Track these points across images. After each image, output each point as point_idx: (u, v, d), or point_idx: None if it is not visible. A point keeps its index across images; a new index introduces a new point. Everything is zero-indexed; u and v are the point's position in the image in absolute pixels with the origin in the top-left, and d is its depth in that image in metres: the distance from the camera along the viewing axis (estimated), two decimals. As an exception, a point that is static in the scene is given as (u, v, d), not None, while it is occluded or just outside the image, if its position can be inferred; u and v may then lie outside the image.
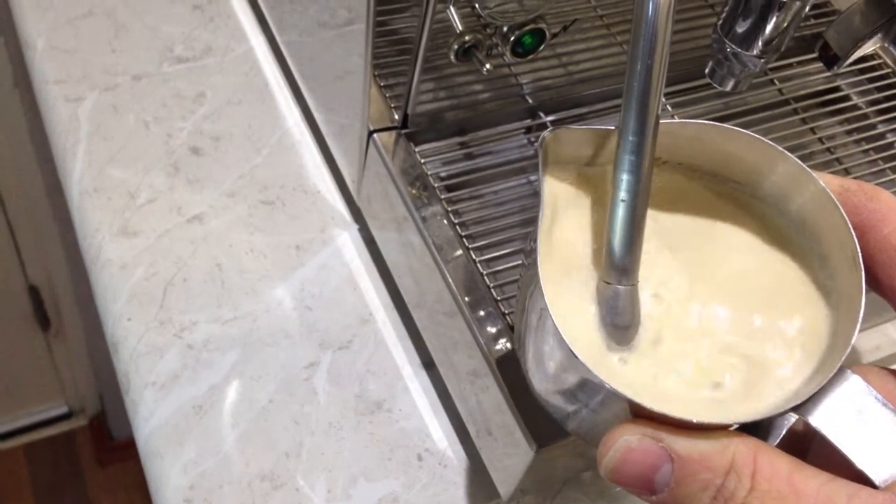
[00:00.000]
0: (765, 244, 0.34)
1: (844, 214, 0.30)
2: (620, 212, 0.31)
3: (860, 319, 0.29)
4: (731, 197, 0.35)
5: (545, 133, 0.33)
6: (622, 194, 0.31)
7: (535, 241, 0.32)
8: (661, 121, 0.32)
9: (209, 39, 0.64)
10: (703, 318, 0.33)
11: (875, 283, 0.31)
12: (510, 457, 0.44)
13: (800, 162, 0.32)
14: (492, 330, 0.44)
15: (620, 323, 0.32)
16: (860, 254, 0.30)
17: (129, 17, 0.65)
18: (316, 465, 0.48)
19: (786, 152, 0.32)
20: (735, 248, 0.35)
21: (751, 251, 0.34)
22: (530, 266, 0.32)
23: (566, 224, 0.35)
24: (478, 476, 0.49)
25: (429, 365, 0.52)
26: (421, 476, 0.49)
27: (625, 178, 0.31)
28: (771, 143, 0.32)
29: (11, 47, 0.86)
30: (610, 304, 0.32)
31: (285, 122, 0.61)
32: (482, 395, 0.45)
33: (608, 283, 0.32)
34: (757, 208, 0.35)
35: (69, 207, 0.57)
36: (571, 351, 0.29)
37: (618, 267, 0.32)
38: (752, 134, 0.32)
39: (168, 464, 0.47)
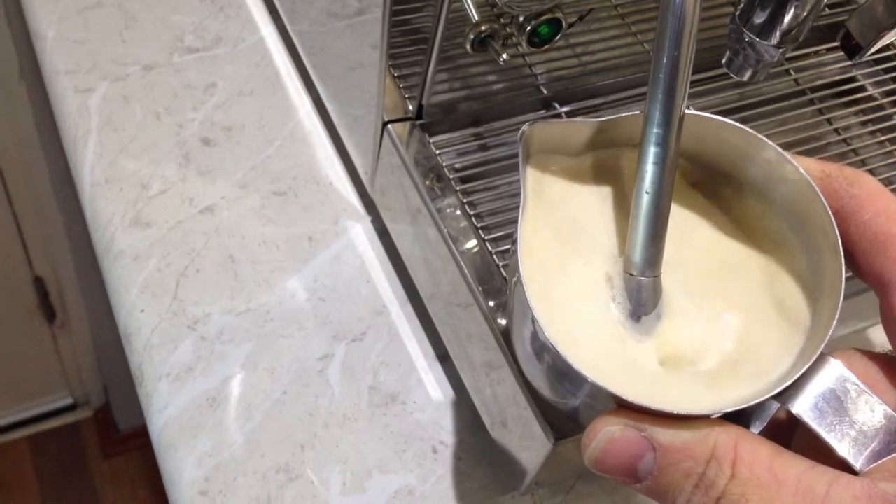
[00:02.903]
0: (739, 235, 0.34)
1: (825, 201, 0.30)
2: (644, 204, 0.31)
3: (840, 306, 0.29)
4: (709, 190, 0.35)
5: (525, 126, 0.33)
6: (647, 186, 0.31)
7: (517, 235, 0.32)
8: (637, 112, 0.32)
9: (219, 29, 0.64)
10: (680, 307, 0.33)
11: (856, 268, 0.31)
12: (526, 449, 0.44)
13: (780, 149, 0.32)
14: (506, 321, 0.43)
15: (643, 314, 0.32)
16: (840, 240, 0.30)
17: (139, 7, 0.64)
18: (330, 458, 0.48)
19: (766, 140, 0.32)
20: (710, 241, 0.35)
21: (726, 243, 0.35)
22: (513, 255, 0.32)
23: (571, 208, 0.35)
24: (493, 468, 0.49)
25: (443, 357, 0.52)
26: (436, 468, 0.49)
27: (650, 169, 0.31)
28: (751, 130, 0.32)
29: (18, 38, 0.85)
30: (633, 295, 0.32)
31: (297, 113, 0.61)
32: (498, 388, 0.45)
33: (631, 275, 0.32)
34: (735, 199, 0.35)
35: (80, 199, 0.57)
36: (554, 347, 0.29)
37: (641, 259, 0.32)
38: (732, 122, 0.33)
39: (182, 456, 0.47)
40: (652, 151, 0.31)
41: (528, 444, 0.43)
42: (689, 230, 0.35)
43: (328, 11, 0.54)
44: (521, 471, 0.45)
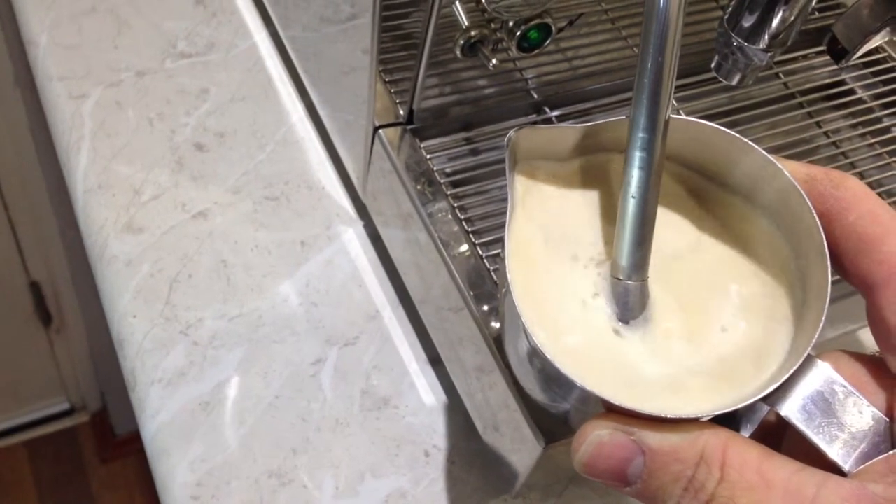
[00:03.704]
0: (727, 239, 0.35)
1: (810, 203, 0.31)
2: (631, 208, 0.31)
3: (826, 308, 0.29)
4: (698, 192, 0.36)
5: (511, 132, 0.33)
6: (633, 190, 0.31)
7: (505, 240, 0.32)
8: (623, 117, 0.32)
9: (212, 35, 0.64)
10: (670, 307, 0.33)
11: (842, 270, 0.31)
12: (517, 452, 0.44)
13: (765, 153, 0.32)
14: (498, 325, 0.44)
15: (631, 318, 0.32)
16: (826, 242, 0.30)
17: (132, 13, 0.65)
18: (323, 462, 0.48)
19: (751, 143, 0.32)
20: (699, 242, 0.35)
21: (714, 245, 0.35)
22: (502, 262, 0.32)
23: (559, 214, 0.35)
24: (485, 472, 0.49)
25: (435, 361, 0.52)
26: (428, 472, 0.49)
27: (635, 174, 0.31)
28: (736, 134, 0.32)
29: (12, 44, 0.86)
30: (620, 300, 0.32)
31: (289, 118, 0.61)
32: (489, 391, 0.45)
33: (618, 279, 0.32)
34: (724, 202, 0.35)
35: (73, 204, 0.57)
36: (543, 353, 0.29)
37: (628, 263, 0.32)
38: (717, 126, 0.33)
39: (175, 461, 0.47)
40: (637, 156, 0.31)
41: (519, 447, 0.44)
42: (680, 232, 0.35)
43: (320, 17, 0.54)
44: (513, 474, 0.46)
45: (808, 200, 0.31)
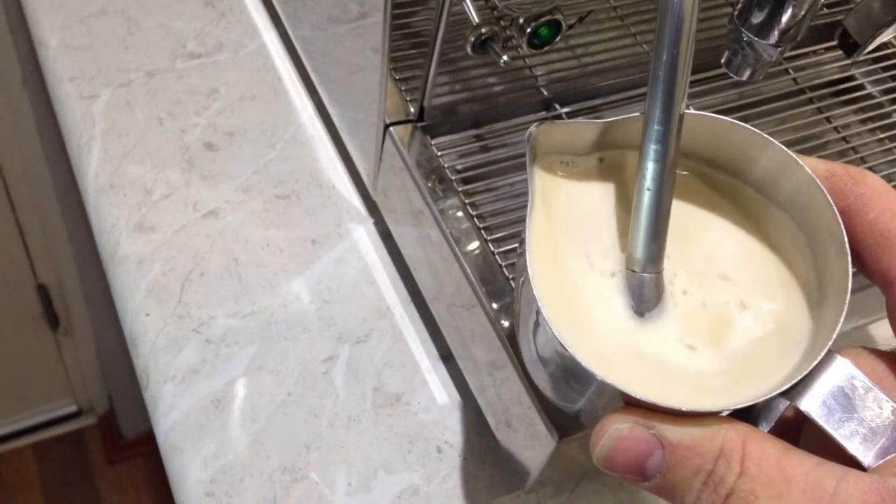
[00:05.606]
0: (746, 232, 0.35)
1: (830, 199, 0.31)
2: (646, 200, 0.32)
3: (847, 303, 0.29)
4: (718, 186, 0.36)
5: (532, 128, 0.33)
6: (647, 183, 0.31)
7: (524, 234, 0.32)
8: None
9: (221, 35, 0.64)
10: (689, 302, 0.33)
11: (862, 266, 0.31)
12: (530, 448, 0.44)
13: (786, 149, 0.32)
14: (509, 323, 0.44)
15: (646, 310, 0.33)
16: (846, 238, 0.30)
17: (142, 14, 0.65)
18: (336, 458, 0.48)
19: (771, 139, 0.32)
20: (718, 235, 0.35)
21: (733, 238, 0.35)
22: (521, 256, 0.33)
23: (578, 208, 0.35)
24: (498, 468, 0.49)
25: (447, 357, 0.52)
26: (441, 468, 0.49)
27: (650, 166, 0.31)
28: (756, 130, 0.32)
29: (20, 46, 0.86)
30: (636, 291, 0.33)
31: (299, 117, 0.61)
32: (501, 387, 0.45)
33: (634, 272, 0.32)
34: (743, 197, 0.35)
35: (85, 204, 0.57)
36: (562, 344, 0.29)
37: (643, 255, 0.32)
38: (737, 122, 0.33)
39: (189, 458, 0.48)
40: (652, 149, 0.31)
41: (532, 443, 0.44)
42: (699, 225, 0.35)
43: (329, 16, 0.54)
44: (526, 470, 0.46)
45: (828, 196, 0.31)
